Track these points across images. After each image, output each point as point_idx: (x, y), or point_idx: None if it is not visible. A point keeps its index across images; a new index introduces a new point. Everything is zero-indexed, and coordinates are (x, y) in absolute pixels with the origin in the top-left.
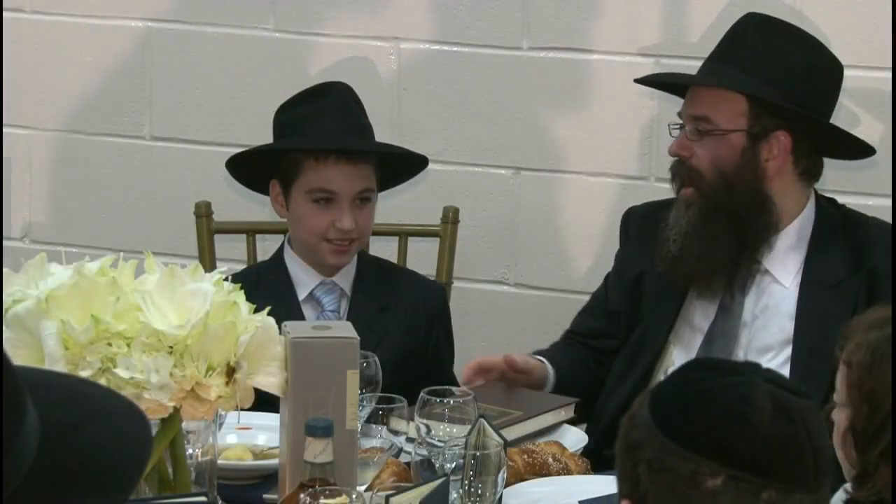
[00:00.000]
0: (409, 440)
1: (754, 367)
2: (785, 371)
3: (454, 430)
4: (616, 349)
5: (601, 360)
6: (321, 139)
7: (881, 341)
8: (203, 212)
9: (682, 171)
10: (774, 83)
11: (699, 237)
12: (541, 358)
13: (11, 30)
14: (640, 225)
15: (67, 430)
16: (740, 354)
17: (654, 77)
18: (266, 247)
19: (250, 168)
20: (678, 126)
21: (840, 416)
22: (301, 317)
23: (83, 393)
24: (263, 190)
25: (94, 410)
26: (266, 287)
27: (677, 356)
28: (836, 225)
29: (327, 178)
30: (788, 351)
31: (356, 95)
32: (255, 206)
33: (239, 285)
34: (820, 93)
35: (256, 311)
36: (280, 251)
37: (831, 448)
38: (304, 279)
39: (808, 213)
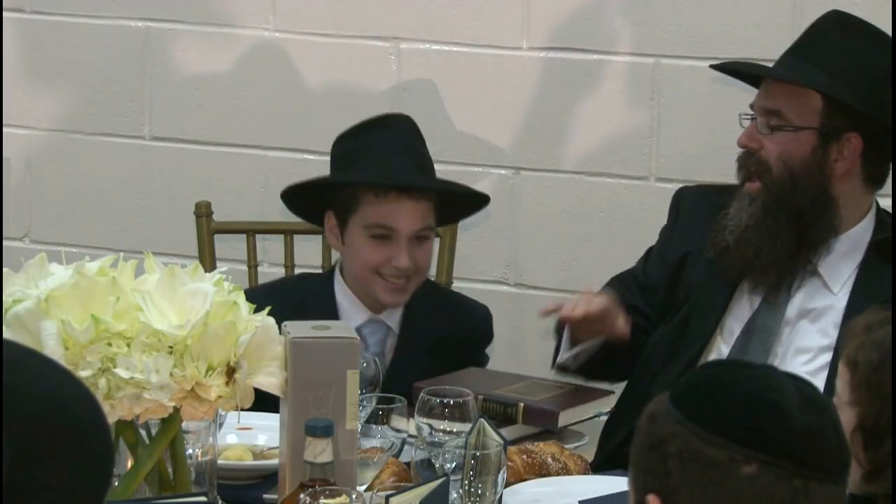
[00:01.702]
0: (411, 437)
1: (772, 367)
2: (820, 377)
3: (454, 430)
4: (646, 328)
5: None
6: (381, 173)
7: (887, 338)
8: (203, 212)
9: (749, 164)
10: (851, 84)
11: (759, 231)
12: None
13: (11, 30)
14: (692, 206)
15: (13, 393)
16: (779, 352)
17: (730, 64)
18: (266, 247)
19: (305, 197)
20: (749, 117)
21: (845, 417)
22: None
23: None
24: (317, 220)
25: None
26: (311, 314)
27: (722, 346)
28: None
29: (386, 214)
30: (827, 357)
31: (417, 127)
32: (256, 206)
33: (239, 287)
34: (891, 97)
35: None
36: (330, 277)
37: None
38: (351, 313)
39: (869, 220)
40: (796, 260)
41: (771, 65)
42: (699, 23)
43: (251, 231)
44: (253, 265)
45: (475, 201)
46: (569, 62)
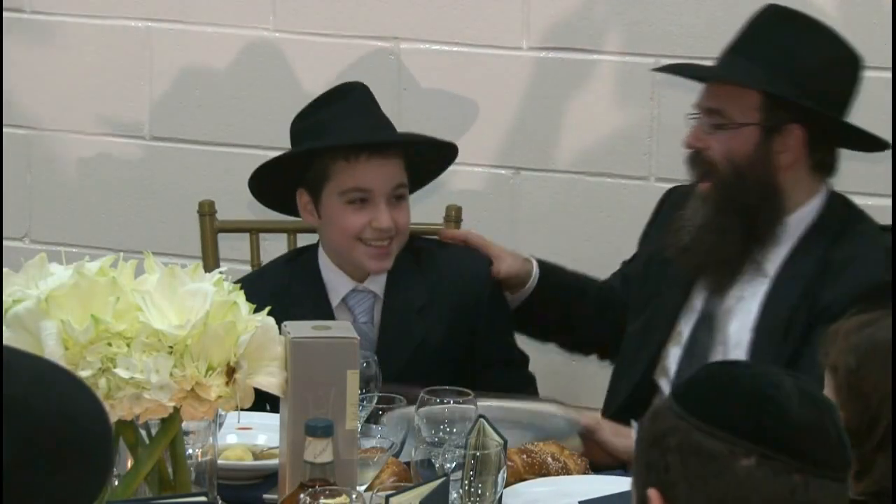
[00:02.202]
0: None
1: (771, 366)
2: (745, 357)
3: (454, 430)
4: (618, 307)
5: (603, 308)
6: (349, 136)
7: (863, 342)
8: (206, 211)
9: (697, 163)
10: (789, 77)
11: (711, 230)
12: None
13: (11, 30)
14: (675, 206)
15: (16, 402)
16: (719, 339)
17: (671, 67)
18: (268, 246)
19: (273, 183)
20: (695, 116)
21: None
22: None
23: (8, 362)
24: (288, 207)
25: (30, 377)
26: (298, 292)
27: (681, 339)
28: (832, 228)
29: (360, 177)
30: (746, 337)
31: (373, 95)
32: (254, 207)
33: (239, 286)
34: (836, 86)
35: (293, 311)
36: (314, 257)
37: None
38: (336, 286)
39: (812, 207)
40: (748, 254)
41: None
42: (699, 23)
43: (254, 230)
44: (256, 264)
45: (446, 155)
46: (569, 62)
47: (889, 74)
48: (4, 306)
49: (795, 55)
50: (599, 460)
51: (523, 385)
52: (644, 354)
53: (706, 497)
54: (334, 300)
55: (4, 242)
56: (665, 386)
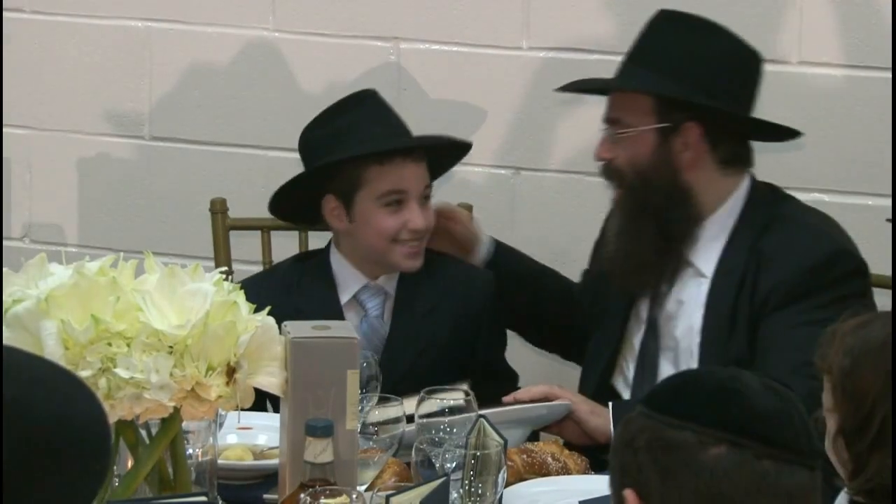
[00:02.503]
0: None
1: (733, 367)
2: (695, 360)
3: (454, 430)
4: (577, 314)
5: (565, 306)
6: (383, 142)
7: (858, 343)
8: (218, 208)
9: (608, 174)
10: (679, 76)
11: (625, 237)
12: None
13: (11, 30)
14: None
15: (15, 404)
16: (664, 345)
17: (569, 86)
18: (280, 244)
19: (294, 194)
20: (603, 129)
21: (829, 423)
22: (340, 319)
23: (10, 362)
24: (304, 216)
25: (30, 379)
26: (307, 288)
27: (633, 348)
28: (759, 219)
29: (396, 180)
30: (694, 340)
31: (385, 100)
32: (256, 206)
33: (239, 286)
34: (729, 81)
35: (300, 308)
36: (325, 253)
37: (817, 429)
38: (348, 282)
39: (735, 202)
40: (667, 255)
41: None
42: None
43: (266, 227)
44: (268, 262)
45: (459, 153)
46: (569, 62)
47: (889, 74)
48: (4, 306)
49: (685, 54)
50: (575, 440)
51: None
52: (598, 366)
53: (679, 489)
54: (344, 296)
55: (4, 242)
56: (626, 395)
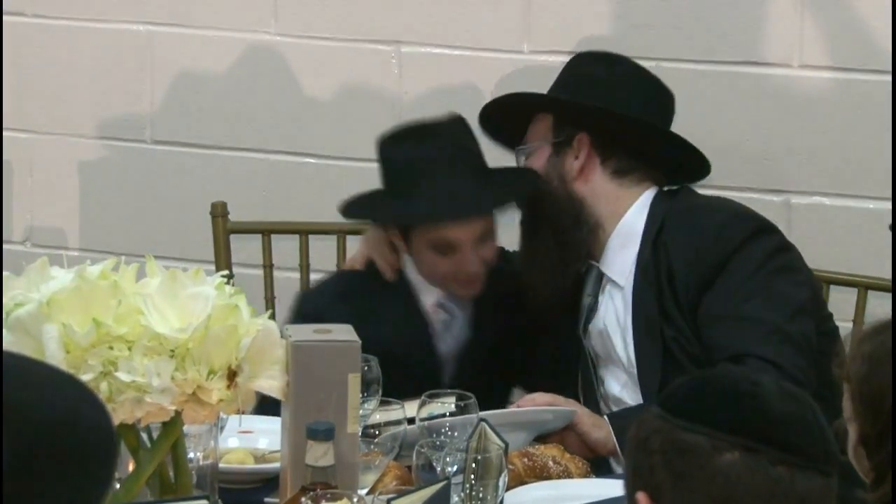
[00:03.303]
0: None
1: (748, 368)
2: (628, 373)
3: (455, 433)
4: None
5: None
6: (440, 205)
7: (875, 349)
8: (219, 212)
9: None
10: (571, 91)
11: (523, 255)
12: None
13: (13, 33)
14: None
15: (20, 409)
16: (615, 357)
17: (491, 124)
18: (280, 247)
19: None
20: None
21: (850, 432)
22: (425, 323)
23: (15, 367)
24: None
25: (36, 383)
26: (386, 290)
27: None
28: (658, 217)
29: (448, 233)
30: (626, 352)
31: (467, 127)
32: (258, 210)
33: (241, 290)
34: (624, 97)
35: (379, 313)
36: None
37: (834, 433)
38: (425, 291)
39: (638, 211)
40: (568, 264)
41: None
42: (699, 26)
43: (267, 231)
44: (268, 265)
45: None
46: None
47: (889, 78)
48: (6, 310)
49: (581, 74)
50: (577, 451)
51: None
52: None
53: (691, 493)
54: (427, 301)
55: (6, 246)
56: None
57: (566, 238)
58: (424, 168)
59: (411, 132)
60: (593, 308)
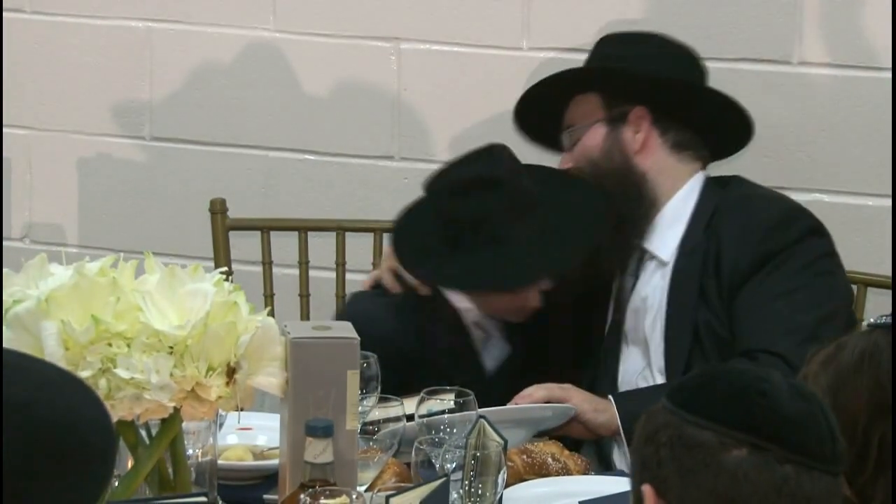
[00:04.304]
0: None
1: (767, 368)
2: (659, 351)
3: (454, 430)
4: None
5: None
6: (507, 270)
7: (831, 380)
8: (218, 209)
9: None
10: (622, 63)
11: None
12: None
13: (11, 30)
14: None
15: (21, 408)
16: (641, 336)
17: (528, 118)
18: (279, 244)
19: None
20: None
21: None
22: (468, 338)
23: (16, 365)
24: None
25: (37, 382)
26: (433, 308)
27: (609, 349)
28: (713, 201)
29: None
30: (659, 329)
31: (515, 161)
32: (257, 207)
33: (239, 286)
34: (670, 68)
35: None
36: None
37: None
38: (467, 309)
39: (692, 188)
40: (623, 242)
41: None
42: (700, 23)
43: (266, 228)
44: (268, 262)
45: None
46: (569, 63)
47: (889, 75)
48: (5, 307)
49: (628, 50)
50: (577, 435)
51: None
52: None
53: (697, 489)
54: (468, 318)
55: (4, 242)
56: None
57: (625, 214)
58: (491, 225)
59: (471, 183)
60: (633, 286)
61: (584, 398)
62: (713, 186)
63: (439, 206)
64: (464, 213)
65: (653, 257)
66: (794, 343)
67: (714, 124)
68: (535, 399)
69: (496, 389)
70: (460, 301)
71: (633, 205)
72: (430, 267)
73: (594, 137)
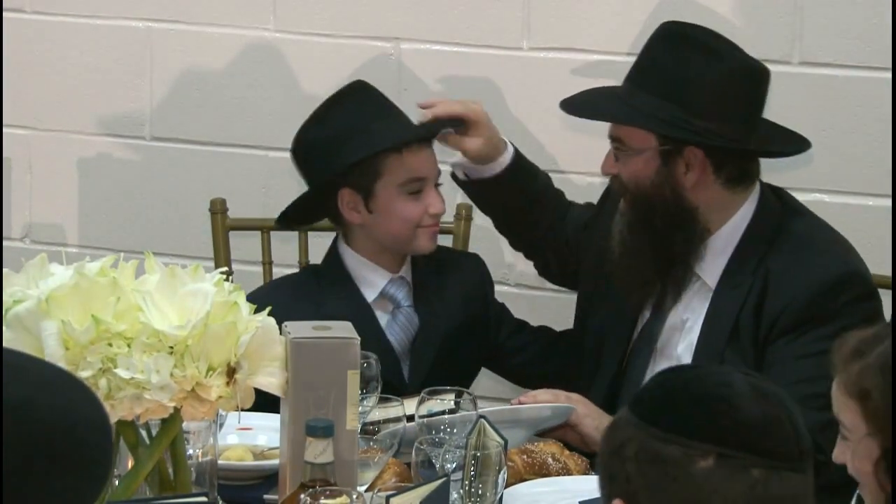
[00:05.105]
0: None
1: (722, 365)
2: None
3: (454, 430)
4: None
5: (554, 228)
6: (404, 132)
7: (882, 358)
8: (218, 209)
9: (616, 185)
10: (681, 102)
11: (625, 251)
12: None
13: (12, 30)
14: (615, 199)
15: (20, 408)
16: (658, 358)
17: (570, 105)
18: (279, 244)
19: (308, 197)
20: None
21: (866, 449)
22: (374, 319)
23: (15, 365)
24: (312, 216)
25: (36, 383)
26: (329, 294)
27: (631, 358)
28: (766, 233)
29: (417, 167)
30: (694, 348)
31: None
32: (257, 207)
33: (239, 286)
34: (732, 102)
35: (326, 314)
36: (335, 256)
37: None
38: (370, 279)
39: (743, 215)
40: (671, 271)
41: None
42: (700, 23)
43: (266, 228)
44: (268, 262)
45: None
46: (569, 63)
47: (889, 74)
48: (5, 306)
49: (686, 79)
50: (572, 442)
51: (544, 332)
52: (607, 370)
53: (668, 501)
54: (370, 294)
55: (5, 242)
56: None
57: (673, 248)
58: (364, 114)
59: (322, 111)
60: (675, 304)
61: (588, 412)
62: (767, 212)
63: (307, 137)
64: (337, 123)
65: (699, 279)
66: (813, 409)
67: (769, 151)
68: (539, 401)
69: (406, 366)
70: (361, 277)
71: (680, 239)
72: (325, 163)
73: (646, 168)
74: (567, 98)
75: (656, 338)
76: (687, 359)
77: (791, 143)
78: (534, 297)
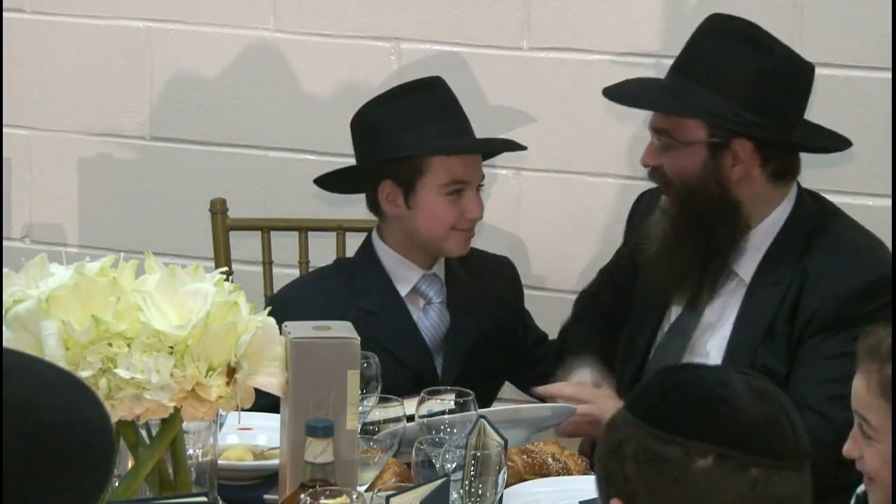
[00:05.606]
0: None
1: (721, 365)
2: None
3: (455, 430)
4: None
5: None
6: (456, 139)
7: None
8: (219, 208)
9: (657, 179)
10: (730, 93)
11: (667, 246)
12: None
13: (12, 30)
14: (647, 209)
15: (20, 408)
16: (702, 350)
17: (613, 92)
18: (279, 244)
19: (350, 173)
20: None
21: (886, 449)
22: (407, 312)
23: (16, 365)
24: (353, 189)
25: (37, 383)
26: (364, 287)
27: (660, 352)
28: (803, 232)
29: (462, 170)
30: (726, 344)
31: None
32: (257, 207)
33: (239, 286)
34: (779, 95)
35: (359, 307)
36: (370, 250)
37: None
38: (403, 274)
39: (781, 212)
40: (710, 266)
41: None
42: (698, 22)
43: (266, 228)
44: (268, 262)
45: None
46: (569, 62)
47: (889, 74)
48: (5, 306)
49: (733, 70)
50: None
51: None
52: (631, 364)
53: (666, 501)
54: (403, 289)
55: (5, 242)
56: None
57: (716, 243)
58: (428, 109)
59: (394, 92)
60: (711, 299)
61: (611, 406)
62: (804, 211)
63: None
64: (392, 114)
65: (736, 276)
66: (839, 409)
67: (815, 147)
68: (564, 394)
69: (439, 363)
70: (396, 272)
71: (723, 233)
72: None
73: (692, 160)
74: (610, 87)
75: (690, 334)
76: (717, 356)
77: (833, 140)
78: (534, 297)
